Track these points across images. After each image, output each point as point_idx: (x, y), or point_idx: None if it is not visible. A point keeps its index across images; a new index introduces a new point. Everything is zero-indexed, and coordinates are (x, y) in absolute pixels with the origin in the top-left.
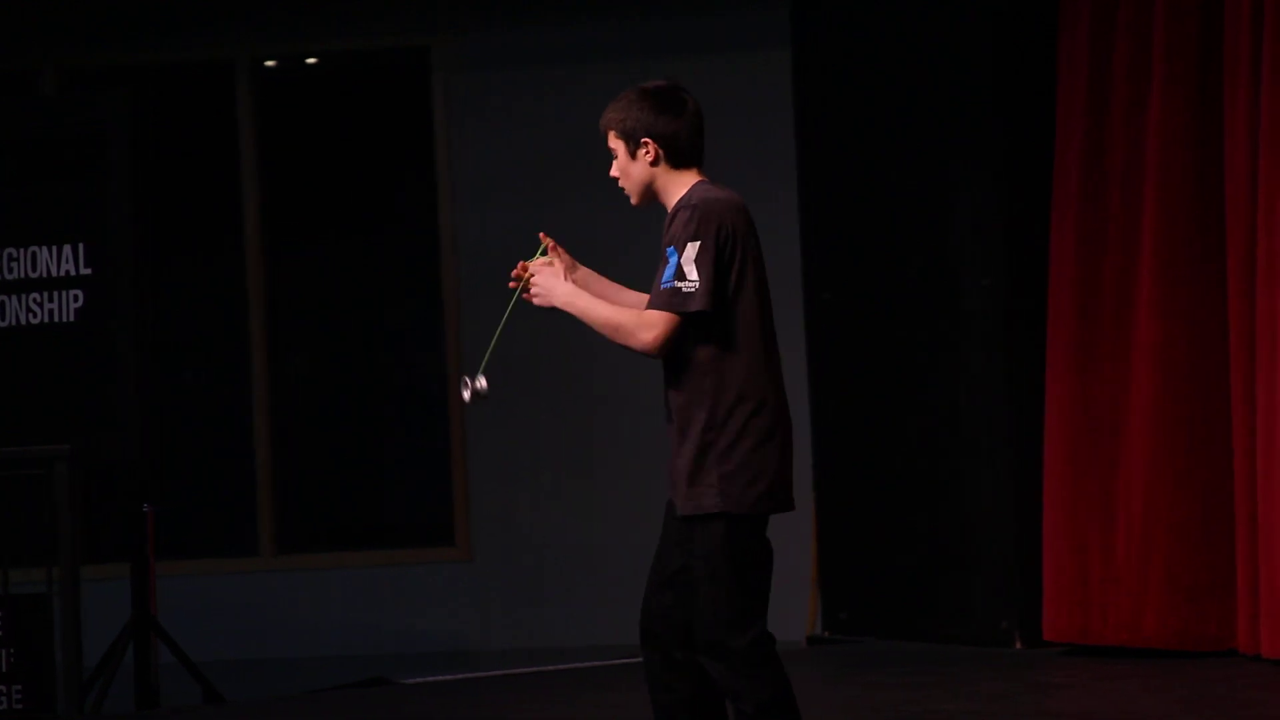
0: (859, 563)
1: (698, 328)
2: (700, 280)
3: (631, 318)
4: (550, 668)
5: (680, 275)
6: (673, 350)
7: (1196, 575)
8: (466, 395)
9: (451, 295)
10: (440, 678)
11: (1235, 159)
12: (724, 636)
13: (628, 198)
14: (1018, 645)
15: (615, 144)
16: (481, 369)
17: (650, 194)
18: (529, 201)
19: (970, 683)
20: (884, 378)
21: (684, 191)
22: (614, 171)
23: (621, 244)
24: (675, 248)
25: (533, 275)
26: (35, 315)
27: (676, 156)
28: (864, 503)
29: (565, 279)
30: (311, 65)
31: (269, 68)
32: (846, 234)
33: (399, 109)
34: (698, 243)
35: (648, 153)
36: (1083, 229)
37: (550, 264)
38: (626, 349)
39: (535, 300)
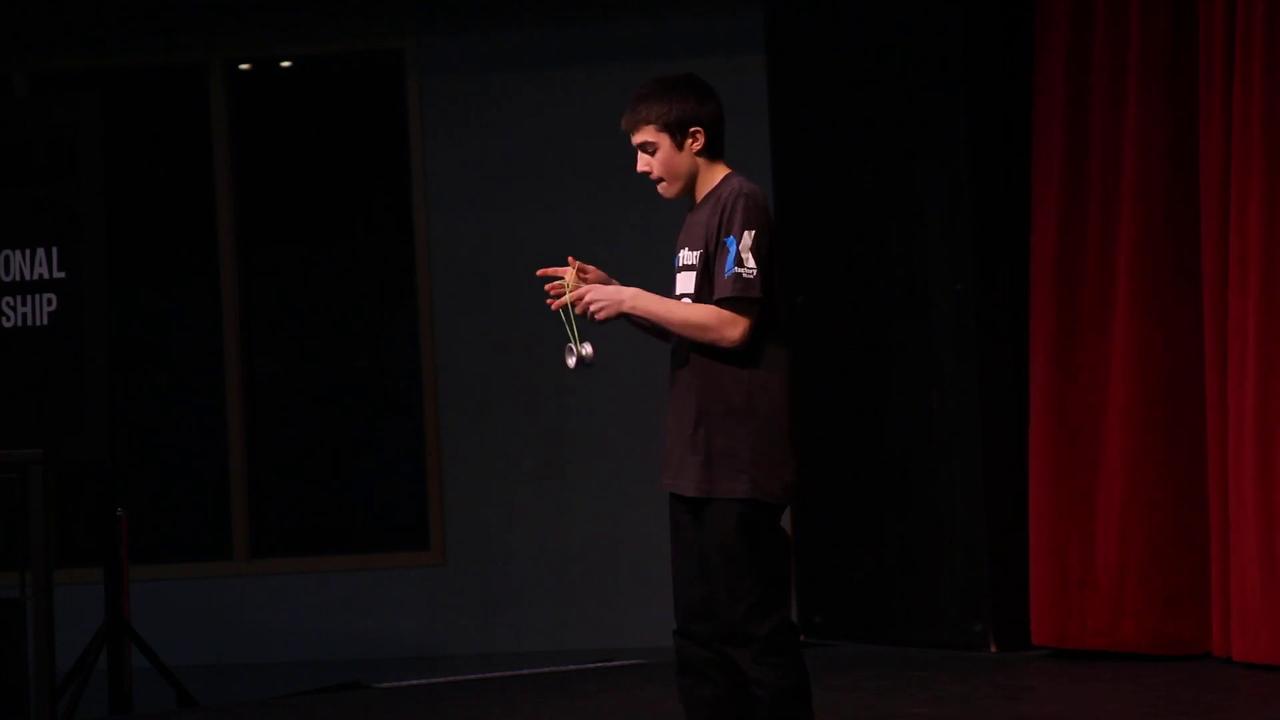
0: (833, 566)
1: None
2: (758, 268)
3: (714, 315)
4: (524, 671)
5: (740, 262)
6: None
7: (1174, 579)
8: (571, 362)
9: (426, 299)
10: (414, 682)
11: (1209, 160)
12: (745, 624)
13: (659, 191)
14: (993, 649)
15: (656, 137)
16: (578, 340)
17: (690, 185)
18: (504, 204)
19: (941, 686)
20: (857, 381)
21: (716, 180)
22: (645, 166)
23: (597, 246)
24: (734, 236)
25: (579, 289)
26: (9, 319)
27: (716, 144)
28: (838, 506)
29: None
30: (285, 68)
31: (243, 70)
32: (820, 237)
33: (373, 112)
34: (753, 231)
35: (695, 141)
36: (1062, 233)
37: (578, 280)
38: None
39: (599, 315)
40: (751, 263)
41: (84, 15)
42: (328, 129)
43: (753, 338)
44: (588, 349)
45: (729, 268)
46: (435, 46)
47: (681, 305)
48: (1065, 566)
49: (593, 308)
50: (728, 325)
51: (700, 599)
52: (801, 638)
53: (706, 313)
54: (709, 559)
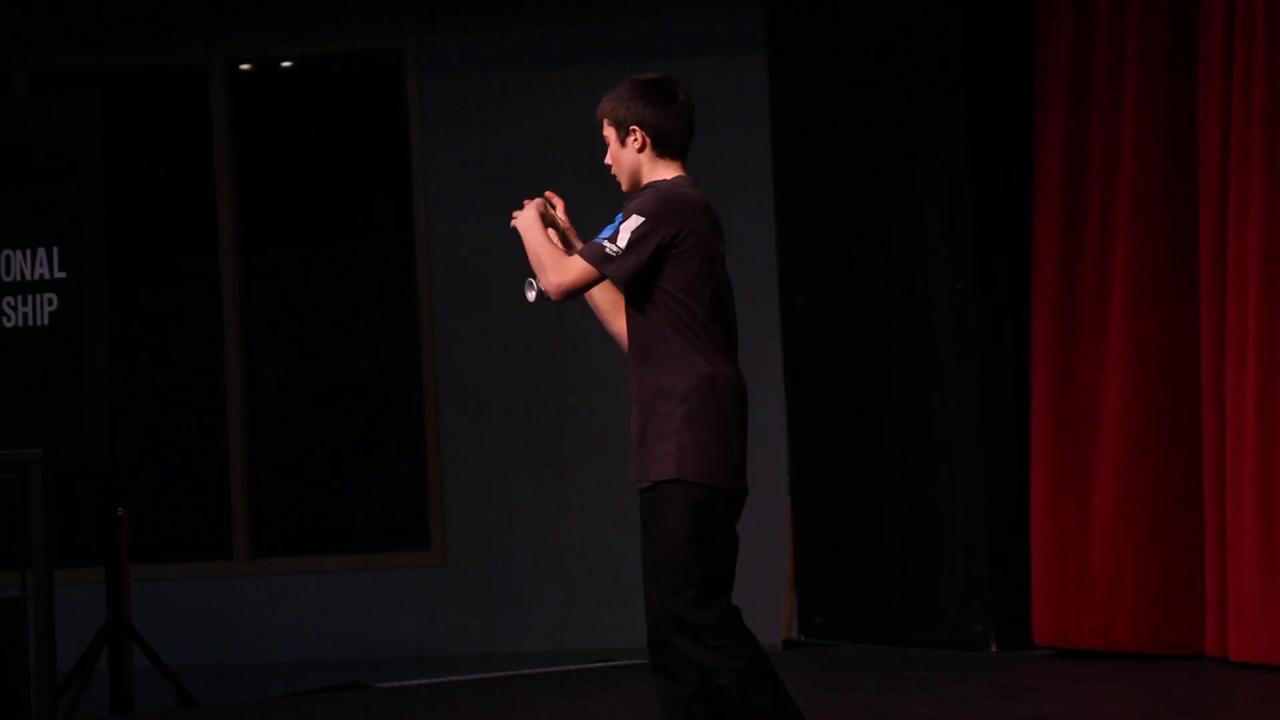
0: (834, 566)
1: (665, 311)
2: (626, 252)
3: (554, 258)
4: (524, 671)
5: (613, 239)
6: (642, 332)
7: (1168, 580)
8: (531, 296)
9: (426, 298)
10: (415, 682)
11: (1207, 161)
12: (689, 614)
13: (619, 183)
14: (993, 648)
15: (608, 131)
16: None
17: (639, 180)
18: (504, 204)
19: (941, 686)
20: (858, 381)
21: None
22: (607, 159)
23: None
24: (623, 214)
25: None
26: (10, 319)
27: (662, 146)
28: (839, 506)
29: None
30: (286, 68)
31: (243, 71)
32: (821, 237)
33: (374, 112)
34: (643, 219)
35: (635, 140)
36: (1063, 233)
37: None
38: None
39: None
40: (623, 244)
41: (84, 15)
42: (328, 129)
43: (575, 297)
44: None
45: (600, 236)
46: (435, 46)
47: (545, 242)
48: (1064, 566)
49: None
50: (556, 271)
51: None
52: (803, 638)
53: (551, 255)
54: (655, 544)
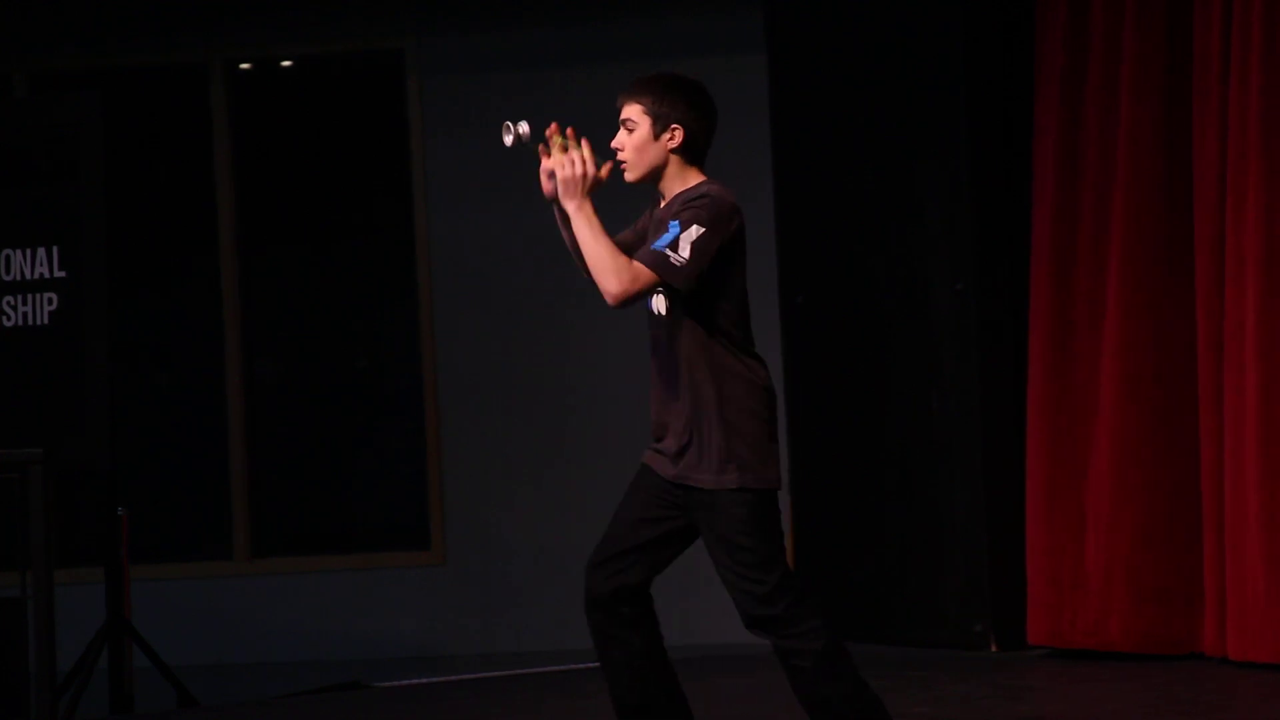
0: (833, 566)
1: (705, 316)
2: (690, 262)
3: (621, 263)
4: (524, 671)
5: (674, 246)
6: (677, 337)
7: (1161, 579)
8: (509, 140)
9: (426, 299)
10: (415, 681)
11: (1203, 161)
12: (764, 610)
13: (622, 170)
14: (993, 648)
15: (639, 119)
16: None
17: (653, 177)
18: (504, 205)
19: (941, 686)
20: (858, 381)
21: (688, 184)
22: (619, 143)
23: None
24: (680, 223)
25: (565, 154)
26: (9, 318)
27: (693, 151)
28: (838, 506)
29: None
30: (285, 68)
31: (243, 70)
32: (821, 237)
33: (373, 112)
34: (704, 230)
35: (672, 138)
36: (1059, 233)
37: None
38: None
39: (551, 186)
40: (687, 254)
41: (84, 15)
42: (328, 129)
43: (631, 305)
44: (524, 126)
45: (659, 244)
46: (435, 46)
47: (604, 240)
48: (1059, 565)
49: (561, 177)
50: (619, 275)
51: (626, 568)
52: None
53: (616, 259)
54: (723, 553)
